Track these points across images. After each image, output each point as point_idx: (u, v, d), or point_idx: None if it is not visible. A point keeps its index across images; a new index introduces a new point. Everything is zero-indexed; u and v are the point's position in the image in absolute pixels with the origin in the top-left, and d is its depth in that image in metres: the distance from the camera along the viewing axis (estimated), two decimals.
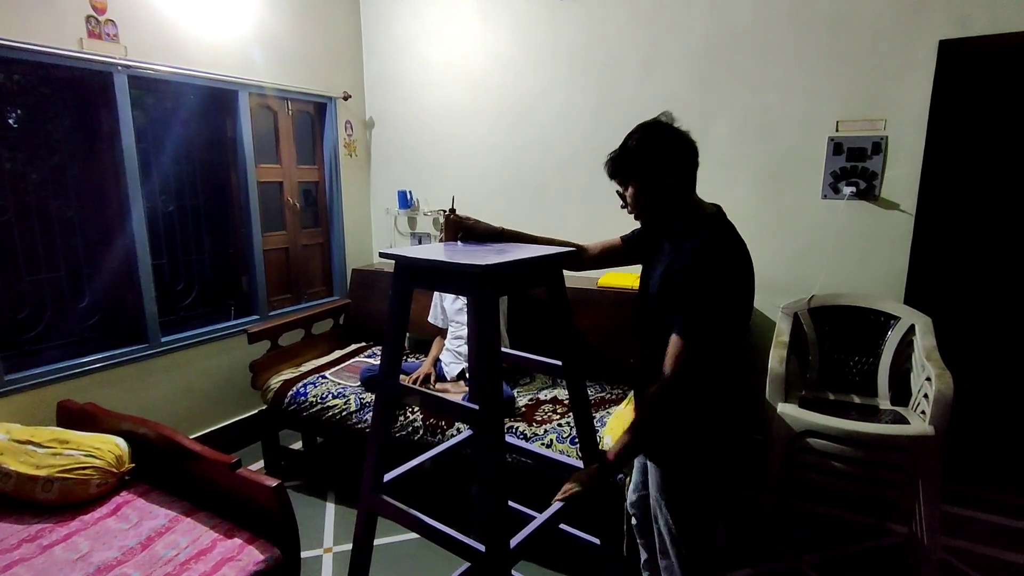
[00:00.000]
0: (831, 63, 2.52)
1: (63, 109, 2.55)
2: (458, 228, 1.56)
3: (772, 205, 2.73)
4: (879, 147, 2.49)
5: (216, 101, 3.07)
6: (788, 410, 2.15)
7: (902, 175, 2.47)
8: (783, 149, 2.67)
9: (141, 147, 2.69)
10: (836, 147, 2.56)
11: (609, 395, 2.62)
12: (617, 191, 1.43)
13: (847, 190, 2.55)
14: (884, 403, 2.39)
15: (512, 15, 3.19)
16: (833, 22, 2.49)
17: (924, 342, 2.26)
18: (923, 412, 2.09)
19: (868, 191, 2.53)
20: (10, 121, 2.46)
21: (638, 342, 1.51)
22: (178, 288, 3.04)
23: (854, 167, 2.54)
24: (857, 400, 2.45)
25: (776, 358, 2.34)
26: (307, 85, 3.42)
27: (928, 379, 2.10)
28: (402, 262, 1.35)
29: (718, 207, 1.44)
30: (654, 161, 1.34)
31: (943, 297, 2.77)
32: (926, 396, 2.08)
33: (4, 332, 2.37)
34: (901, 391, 2.39)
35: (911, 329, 2.36)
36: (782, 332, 2.48)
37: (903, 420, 2.16)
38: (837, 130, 2.55)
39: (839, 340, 2.54)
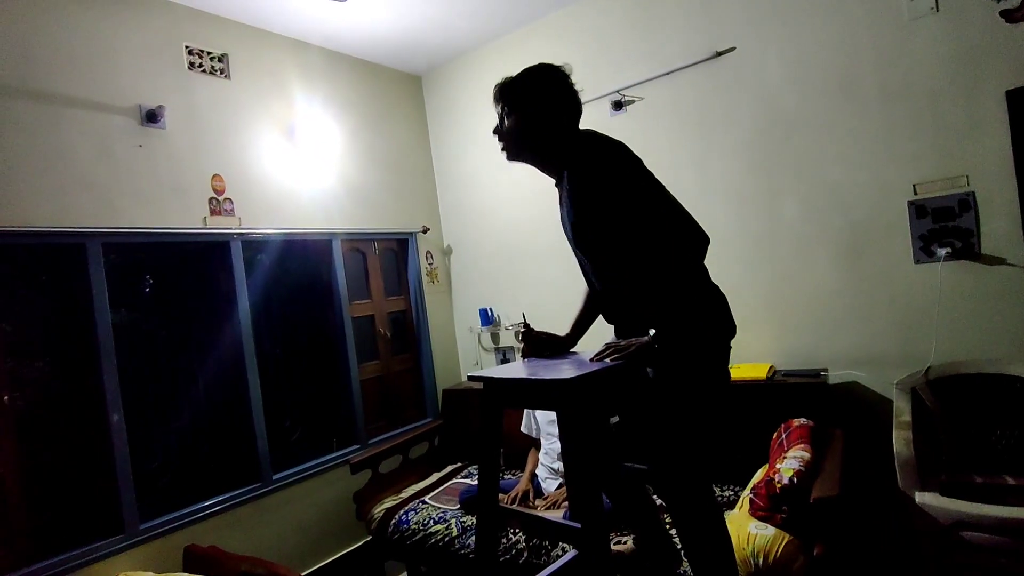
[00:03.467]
0: (893, 131, 2.50)
1: (188, 274, 2.95)
2: (535, 342, 1.64)
3: (860, 278, 2.61)
4: (967, 204, 2.37)
5: (313, 250, 3.44)
6: (930, 500, 1.91)
7: (1000, 228, 2.32)
8: (861, 220, 2.60)
9: (251, 297, 3.03)
10: (919, 210, 2.47)
11: (718, 497, 2.45)
12: (496, 125, 1.53)
13: (941, 251, 2.41)
14: None
15: None
16: (884, 93, 2.50)
17: None
18: None
19: (966, 250, 2.38)
20: (146, 289, 2.87)
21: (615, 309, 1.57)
22: (285, 425, 3.24)
23: (944, 227, 2.42)
24: (1011, 481, 2.14)
25: (901, 441, 2.13)
26: (390, 225, 3.77)
27: None
28: (489, 383, 1.41)
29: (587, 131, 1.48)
30: (539, 95, 1.43)
31: None
32: None
33: (139, 482, 2.60)
34: None
35: None
36: (902, 411, 2.27)
37: None
38: (916, 193, 2.47)
39: (971, 413, 2.29)
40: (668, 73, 3.05)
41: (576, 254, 1.62)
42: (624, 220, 1.33)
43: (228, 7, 2.93)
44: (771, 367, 2.74)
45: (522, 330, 1.65)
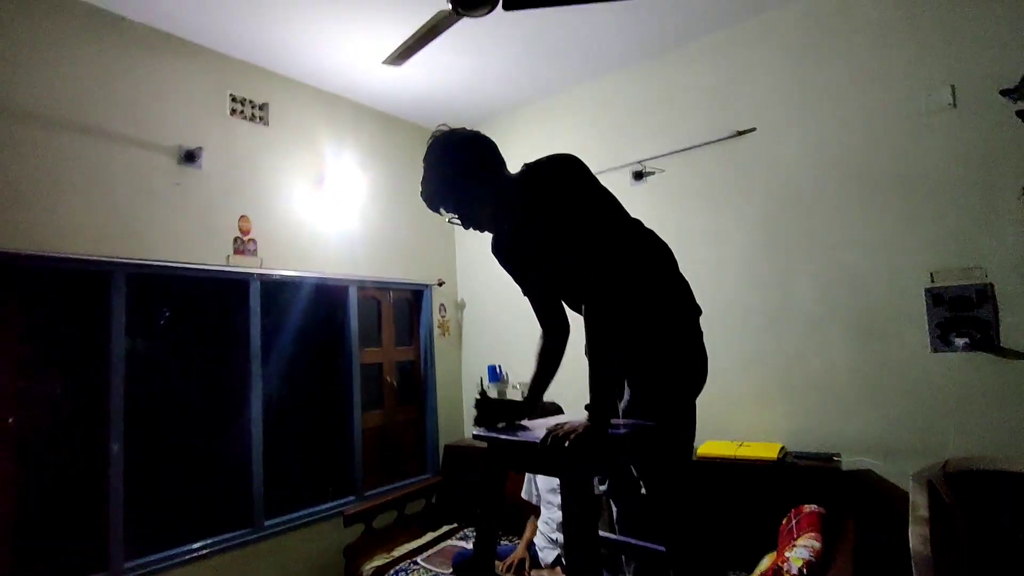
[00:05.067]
0: (909, 218, 2.52)
1: (205, 309, 2.99)
2: (489, 410, 1.53)
3: (875, 362, 2.57)
4: (984, 295, 2.36)
5: (329, 295, 3.48)
6: None
7: (1020, 323, 2.29)
8: (876, 304, 2.59)
9: (264, 337, 3.05)
10: (935, 298, 2.45)
11: None
12: (449, 220, 1.45)
13: (960, 342, 2.38)
14: None
15: None
16: (901, 181, 2.54)
17: None
18: None
19: (985, 341, 2.35)
20: (161, 321, 2.91)
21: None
22: (283, 470, 3.19)
23: (961, 317, 2.40)
24: None
25: (918, 537, 2.03)
26: (407, 275, 3.82)
27: None
28: (494, 443, 1.39)
29: None
30: (460, 179, 1.37)
31: None
32: None
33: (130, 516, 2.52)
34: None
35: None
36: (918, 505, 2.18)
37: None
38: (932, 281, 2.47)
39: (992, 513, 2.19)
40: (689, 148, 3.13)
41: (538, 288, 1.67)
42: (598, 218, 1.39)
43: (273, 60, 3.10)
44: (782, 448, 2.66)
45: (477, 397, 1.55)
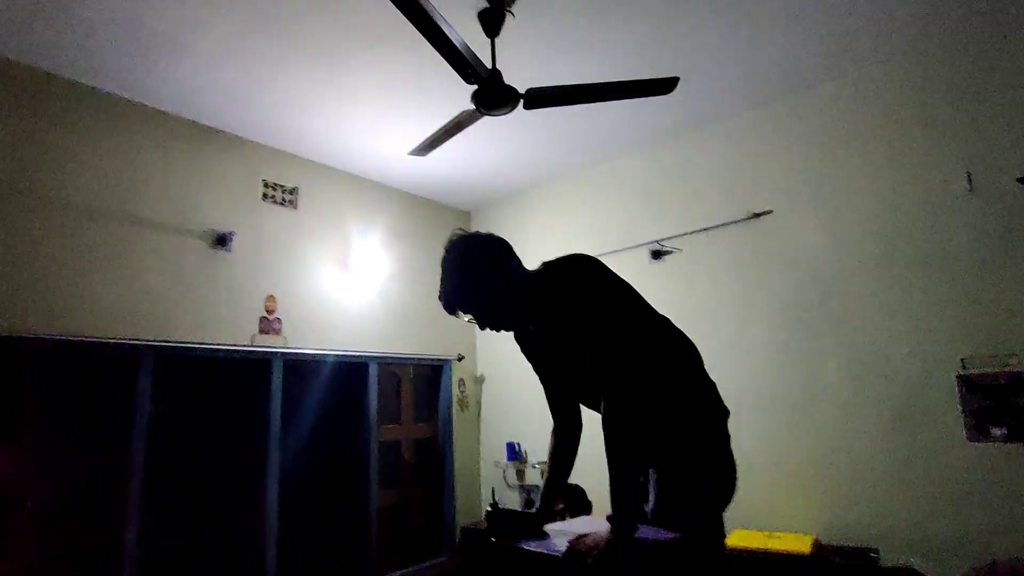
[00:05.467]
0: (936, 302, 2.48)
1: (227, 386, 3.02)
2: (501, 521, 1.49)
3: (911, 451, 2.47)
4: (1020, 383, 2.28)
5: (349, 372, 3.50)
6: None
7: None
8: (908, 390, 2.51)
9: (284, 414, 3.04)
10: (968, 385, 2.38)
11: None
12: (468, 321, 1.43)
13: (998, 432, 2.29)
14: None
15: None
16: (924, 264, 2.52)
17: None
18: None
19: None
20: (183, 395, 2.94)
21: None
22: (297, 552, 3.11)
23: (997, 405, 2.32)
24: None
25: None
26: (427, 350, 3.84)
27: None
28: (513, 551, 1.35)
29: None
30: (475, 285, 1.38)
31: None
32: None
33: None
34: None
35: None
36: None
37: None
38: (964, 368, 2.40)
39: None
40: (706, 229, 3.17)
41: (555, 385, 1.64)
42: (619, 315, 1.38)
43: (304, 147, 3.26)
44: (815, 540, 2.53)
45: (488, 509, 1.51)
